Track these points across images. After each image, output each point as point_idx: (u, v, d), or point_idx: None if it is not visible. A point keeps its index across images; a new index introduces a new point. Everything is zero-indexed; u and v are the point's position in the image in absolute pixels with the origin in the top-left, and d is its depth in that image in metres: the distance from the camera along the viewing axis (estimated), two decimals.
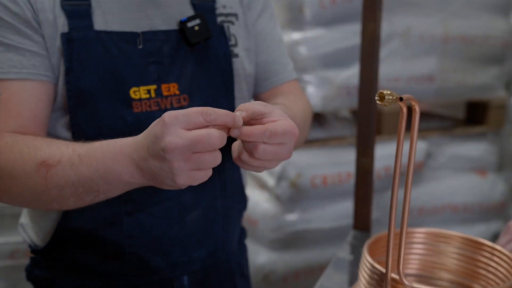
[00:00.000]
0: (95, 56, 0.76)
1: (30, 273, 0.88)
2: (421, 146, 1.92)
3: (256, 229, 1.81)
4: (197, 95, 0.81)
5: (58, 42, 0.75)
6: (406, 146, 0.65)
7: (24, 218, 0.88)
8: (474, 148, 2.03)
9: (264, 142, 0.60)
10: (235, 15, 0.85)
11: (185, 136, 0.56)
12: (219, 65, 0.83)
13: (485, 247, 0.86)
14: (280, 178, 1.80)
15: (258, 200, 1.87)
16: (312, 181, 1.80)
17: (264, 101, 0.84)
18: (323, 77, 1.78)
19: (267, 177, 1.86)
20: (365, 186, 1.25)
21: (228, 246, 0.91)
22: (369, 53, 1.17)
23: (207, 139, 0.56)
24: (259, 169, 0.64)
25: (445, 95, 1.93)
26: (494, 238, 1.93)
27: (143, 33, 0.78)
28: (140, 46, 0.76)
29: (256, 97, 0.95)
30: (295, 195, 1.81)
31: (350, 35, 1.77)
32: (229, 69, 0.84)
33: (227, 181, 0.88)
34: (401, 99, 0.59)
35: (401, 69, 1.84)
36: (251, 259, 1.71)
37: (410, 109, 0.69)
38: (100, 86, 0.76)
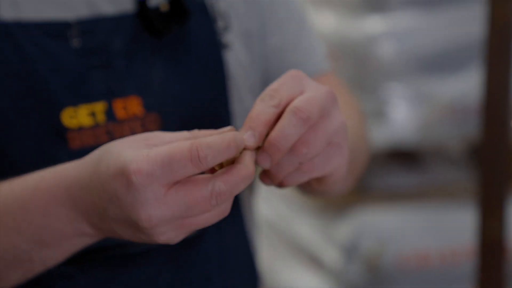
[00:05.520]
0: (2, 61, 0.69)
1: None
2: None
3: None
4: (173, 113, 0.74)
5: None
6: None
7: None
8: None
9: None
10: None
11: (171, 202, 0.48)
12: (203, 63, 0.76)
13: None
14: (349, 253, 1.57)
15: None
16: (401, 260, 1.56)
17: None
18: (420, 91, 1.58)
19: (326, 249, 1.63)
20: (494, 269, 1.12)
21: None
22: (498, 51, 1.08)
23: (207, 199, 0.48)
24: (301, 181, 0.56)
25: None
26: None
27: (78, 22, 0.71)
28: (76, 43, 0.71)
29: None
30: (373, 283, 1.56)
31: (465, 22, 1.59)
32: (218, 68, 0.77)
33: (227, 246, 0.79)
34: None
35: None
36: None
37: None
38: (11, 109, 0.69)
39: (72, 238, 0.58)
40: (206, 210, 0.49)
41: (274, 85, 0.53)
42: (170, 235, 0.50)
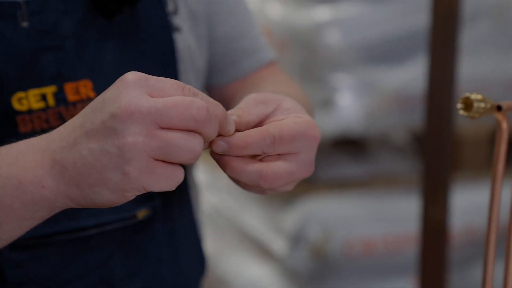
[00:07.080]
0: None
1: None
2: None
3: None
4: None
5: None
6: (506, 190, 0.63)
7: None
8: None
9: (264, 154, 0.56)
10: None
11: (152, 100, 0.51)
12: (155, 45, 0.77)
13: None
14: (295, 241, 1.59)
15: (257, 277, 1.67)
16: (347, 247, 1.59)
17: (230, 97, 0.84)
18: (366, 80, 1.62)
19: (272, 238, 1.64)
20: (436, 254, 1.14)
21: None
22: (442, 41, 1.10)
23: (186, 106, 0.50)
24: (263, 191, 0.59)
25: None
26: None
27: (27, 2, 0.70)
28: (25, 23, 0.70)
29: (214, 91, 0.87)
30: (319, 270, 1.59)
31: (410, 13, 1.61)
32: (170, 51, 0.77)
33: (177, 230, 0.80)
34: (499, 108, 0.56)
35: (492, 67, 1.70)
36: None
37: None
38: None
39: (28, 191, 0.56)
40: (182, 119, 0.49)
41: (287, 134, 0.55)
42: (138, 139, 0.50)
